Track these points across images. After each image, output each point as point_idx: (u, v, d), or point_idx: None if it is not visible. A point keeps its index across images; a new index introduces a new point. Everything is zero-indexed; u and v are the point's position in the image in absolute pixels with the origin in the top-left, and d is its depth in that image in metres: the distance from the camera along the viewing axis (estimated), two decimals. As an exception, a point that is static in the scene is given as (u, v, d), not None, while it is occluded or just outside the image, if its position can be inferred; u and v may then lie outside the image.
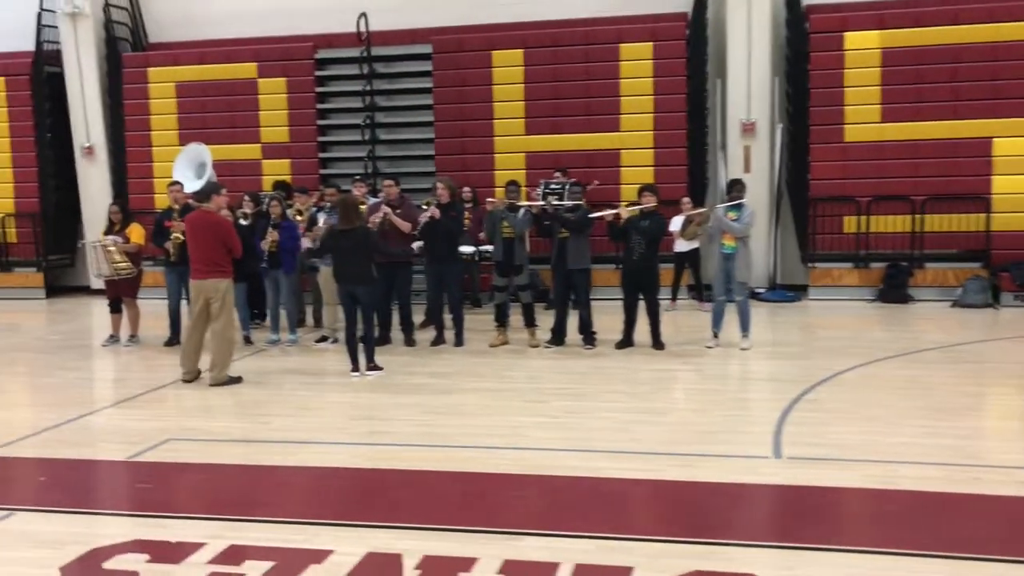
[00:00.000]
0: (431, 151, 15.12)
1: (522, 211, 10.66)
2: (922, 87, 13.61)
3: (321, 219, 11.15)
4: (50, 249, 16.63)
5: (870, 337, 11.21)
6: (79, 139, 16.42)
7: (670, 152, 14.31)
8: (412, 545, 4.91)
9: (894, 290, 13.58)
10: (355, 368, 9.48)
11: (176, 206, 11.30)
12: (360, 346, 9.43)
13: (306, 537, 5.08)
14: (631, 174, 14.32)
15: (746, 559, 4.73)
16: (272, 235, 11.09)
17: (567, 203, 10.41)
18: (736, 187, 10.32)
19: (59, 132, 16.52)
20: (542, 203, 10.67)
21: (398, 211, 10.81)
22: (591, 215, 10.54)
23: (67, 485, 6.27)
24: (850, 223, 13.86)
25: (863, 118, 13.80)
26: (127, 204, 12.22)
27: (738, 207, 10.20)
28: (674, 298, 13.35)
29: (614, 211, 10.61)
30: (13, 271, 16.64)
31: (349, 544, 4.95)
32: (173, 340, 11.43)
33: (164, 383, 9.27)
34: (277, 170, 15.36)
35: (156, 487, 6.13)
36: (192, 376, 9.32)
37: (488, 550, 4.84)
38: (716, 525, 5.24)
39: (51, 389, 9.26)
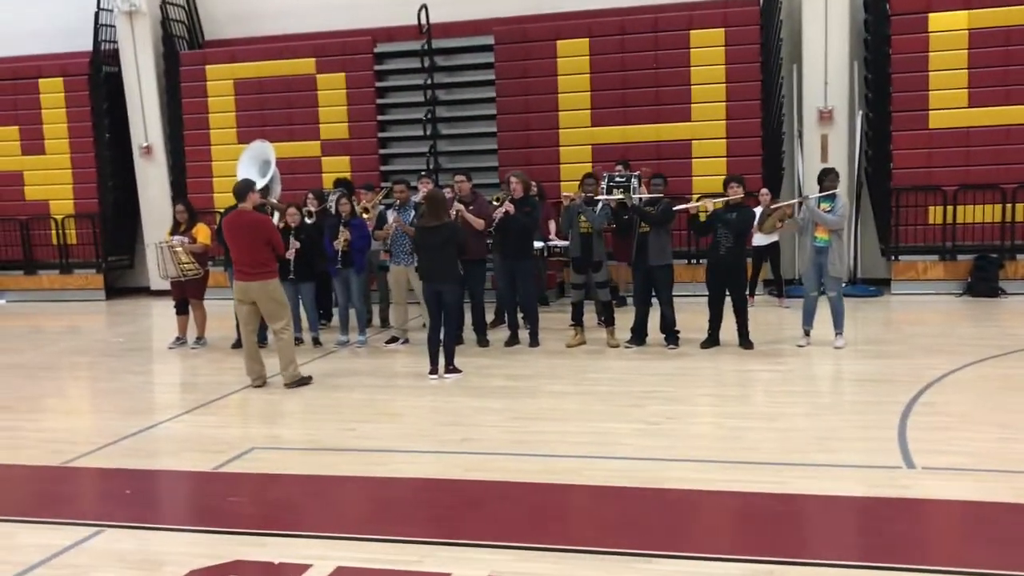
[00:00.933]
0: (494, 145, 14.73)
1: (600, 205, 10.22)
2: (1011, 70, 12.93)
3: (390, 216, 10.80)
4: (109, 250, 16.50)
5: (968, 334, 10.65)
6: (137, 139, 16.25)
7: (744, 142, 13.77)
8: (538, 569, 4.50)
9: (983, 283, 12.95)
10: (434, 370, 9.13)
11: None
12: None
13: (418, 558, 4.71)
14: (703, 165, 13.82)
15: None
16: (344, 234, 10.76)
17: (640, 196, 10.00)
18: (829, 177, 9.79)
19: (117, 132, 16.37)
20: (621, 196, 10.23)
21: (471, 207, 10.43)
22: (675, 208, 10.09)
23: (155, 499, 5.97)
24: (935, 213, 13.24)
25: (949, 103, 13.16)
26: (192, 204, 11.88)
27: (831, 198, 9.69)
28: (752, 294, 12.81)
29: (698, 203, 10.14)
30: (73, 272, 16.53)
31: (468, 567, 4.56)
32: (240, 342, 11.16)
33: (235, 387, 8.98)
34: (337, 167, 15.06)
35: (249, 501, 5.80)
36: (262, 381, 9.03)
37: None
38: (893, 546, 4.71)
39: (121, 394, 9.00)
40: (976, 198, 13.09)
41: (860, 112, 13.64)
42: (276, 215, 11.67)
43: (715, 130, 13.90)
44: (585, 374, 9.04)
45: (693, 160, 13.94)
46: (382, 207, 12.12)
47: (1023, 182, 12.89)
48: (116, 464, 6.70)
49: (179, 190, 16.14)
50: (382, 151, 15.36)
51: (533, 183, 12.33)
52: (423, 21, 14.61)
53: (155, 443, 7.20)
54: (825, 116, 13.64)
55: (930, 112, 13.25)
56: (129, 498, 5.91)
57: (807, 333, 9.99)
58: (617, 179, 10.39)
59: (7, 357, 11.26)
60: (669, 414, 7.46)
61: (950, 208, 13.17)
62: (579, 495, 5.64)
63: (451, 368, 9.15)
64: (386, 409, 7.97)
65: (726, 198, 9.90)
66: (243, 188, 9.18)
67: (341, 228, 10.84)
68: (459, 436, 7.06)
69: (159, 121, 16.19)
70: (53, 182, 16.50)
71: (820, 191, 9.76)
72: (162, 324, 14.48)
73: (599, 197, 10.23)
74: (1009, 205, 12.96)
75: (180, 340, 11.46)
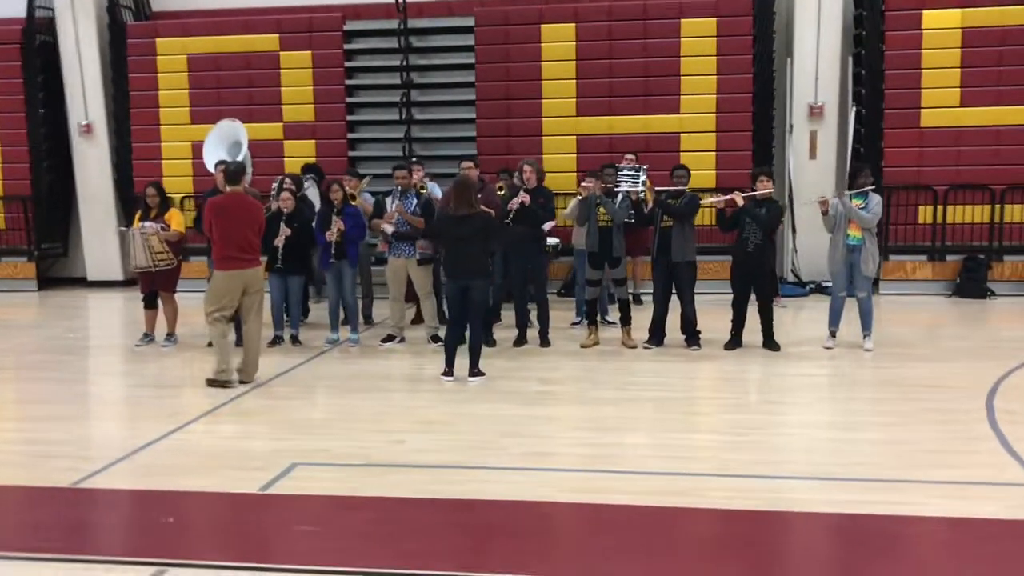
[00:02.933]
0: (472, 132, 13.96)
1: (620, 197, 9.63)
2: (1004, 70, 12.87)
3: (390, 204, 9.98)
4: (42, 237, 15.08)
5: (1000, 336, 10.45)
6: (76, 116, 14.87)
7: (734, 136, 13.38)
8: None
9: (973, 284, 12.87)
10: (449, 372, 8.39)
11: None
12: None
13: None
14: (692, 159, 13.20)
15: None
16: (338, 223, 9.89)
17: (652, 188, 9.53)
18: (863, 173, 9.42)
19: (53, 108, 14.97)
20: (643, 188, 9.68)
21: (479, 196, 9.68)
22: (701, 202, 9.58)
23: (208, 529, 5.09)
24: (926, 213, 13.10)
25: (941, 102, 13.02)
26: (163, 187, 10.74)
27: (864, 195, 9.32)
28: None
29: (727, 197, 9.65)
30: (1, 261, 15.06)
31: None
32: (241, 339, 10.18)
33: (238, 391, 8.06)
34: (301, 151, 14.07)
35: (322, 530, 4.98)
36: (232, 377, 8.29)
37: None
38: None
39: (108, 400, 8.02)
40: (966, 198, 13.00)
41: (853, 108, 13.40)
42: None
43: (705, 123, 13.47)
44: (623, 377, 8.45)
45: (681, 153, 13.39)
46: (366, 193, 11.30)
47: (1013, 183, 12.84)
48: (139, 484, 5.79)
49: (123, 172, 14.90)
50: (350, 135, 14.43)
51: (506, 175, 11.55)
52: (399, -1, 13.76)
53: (175, 458, 6.28)
54: (816, 112, 13.36)
55: (922, 110, 13.09)
56: (176, 528, 5.02)
57: (833, 334, 9.61)
58: (627, 171, 9.84)
59: (-51, 356, 10.05)
60: (742, 423, 6.95)
61: (940, 208, 13.05)
62: (713, 520, 5.01)
63: (476, 371, 8.43)
64: (426, 417, 7.21)
65: (754, 192, 9.45)
66: (238, 170, 8.53)
67: (334, 218, 9.98)
68: (524, 449, 6.37)
69: (101, 98, 14.85)
70: (-22, 161, 15.02)
71: (853, 188, 9.38)
72: (110, 318, 13.36)
73: (619, 188, 9.65)
74: (999, 206, 12.89)
75: (148, 337, 10.37)
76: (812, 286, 13.40)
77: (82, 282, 15.35)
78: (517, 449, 6.37)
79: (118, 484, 5.75)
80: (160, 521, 5.07)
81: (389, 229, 9.67)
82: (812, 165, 13.42)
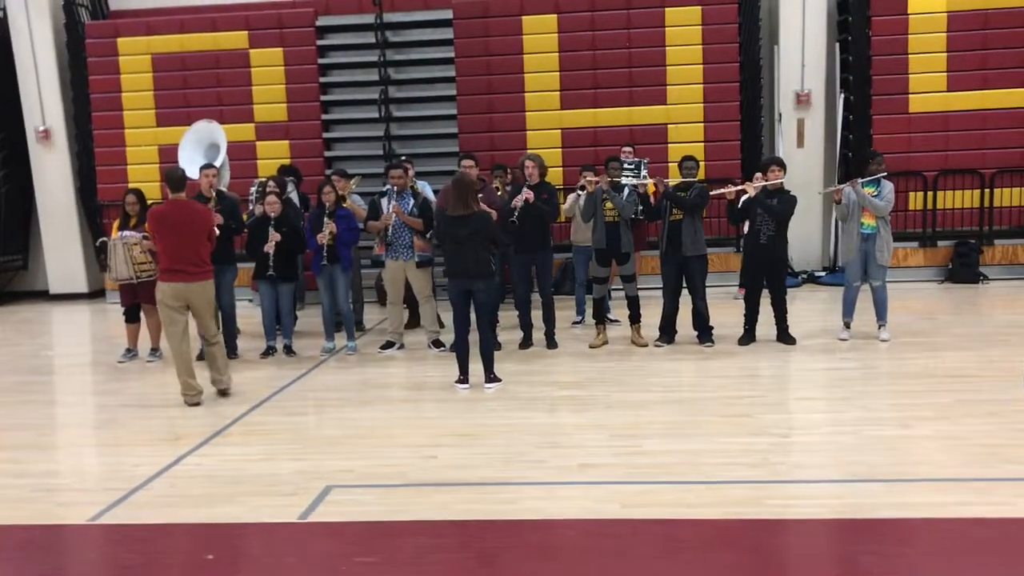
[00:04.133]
0: (454, 129, 13.54)
1: (627, 190, 9.31)
2: (989, 53, 12.82)
3: (385, 205, 9.54)
4: (0, 249, 14.32)
5: (1006, 321, 10.34)
6: (33, 121, 14.16)
7: (722, 126, 13.16)
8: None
9: (965, 269, 12.81)
10: (463, 379, 8.01)
11: (211, 193, 9.53)
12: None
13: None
14: (679, 150, 12.94)
15: None
16: (330, 226, 9.44)
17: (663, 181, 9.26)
18: (875, 160, 9.21)
19: (9, 113, 14.22)
20: (651, 180, 9.37)
21: (479, 195, 9.29)
22: (712, 193, 9.31)
23: (258, 565, 4.63)
24: (916, 199, 13.01)
25: (928, 87, 12.93)
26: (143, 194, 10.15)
27: (876, 182, 9.11)
28: (743, 285, 12.20)
29: (738, 187, 9.38)
30: (-33, 274, 14.30)
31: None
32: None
33: (243, 408, 7.59)
34: (274, 152, 13.55)
35: (383, 560, 4.56)
36: (199, 398, 7.85)
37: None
38: None
39: (103, 423, 7.46)
40: (956, 184, 12.92)
41: (841, 95, 13.25)
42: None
43: (692, 113, 13.23)
44: (644, 378, 8.12)
45: (669, 145, 13.20)
46: (355, 195, 10.87)
47: (1002, 167, 12.80)
48: (164, 517, 5.29)
49: (86, 180, 14.23)
50: (326, 135, 13.91)
51: (508, 169, 11.18)
52: (375, -8, 13.28)
53: (196, 486, 5.80)
54: (803, 99, 13.19)
55: (910, 96, 13.00)
56: (221, 566, 4.57)
57: (848, 325, 9.41)
58: (627, 164, 9.54)
59: (-83, 379, 9.38)
60: (784, 423, 6.68)
61: (930, 194, 12.96)
62: (790, 531, 4.70)
63: (492, 377, 8.05)
64: (452, 429, 6.80)
65: (765, 183, 9.20)
66: (182, 176, 8.08)
67: (326, 220, 9.52)
68: (565, 461, 6.00)
69: (59, 101, 14.17)
70: (-70, 171, 14.22)
71: (866, 175, 9.16)
72: (80, 333, 12.72)
73: (626, 181, 9.32)
74: (988, 191, 12.84)
75: (131, 352, 9.84)
76: (804, 275, 13.26)
77: (44, 295, 14.65)
78: (558, 461, 6.00)
79: (141, 518, 5.25)
80: (202, 558, 4.60)
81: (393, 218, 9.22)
82: (800, 153, 13.24)
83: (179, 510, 5.39)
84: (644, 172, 9.39)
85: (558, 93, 13.39)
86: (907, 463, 5.67)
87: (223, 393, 8.03)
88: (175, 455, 6.39)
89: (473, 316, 8.18)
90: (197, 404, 7.76)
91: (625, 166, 9.53)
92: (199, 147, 11.28)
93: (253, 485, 5.76)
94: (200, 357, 8.75)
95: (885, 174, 9.13)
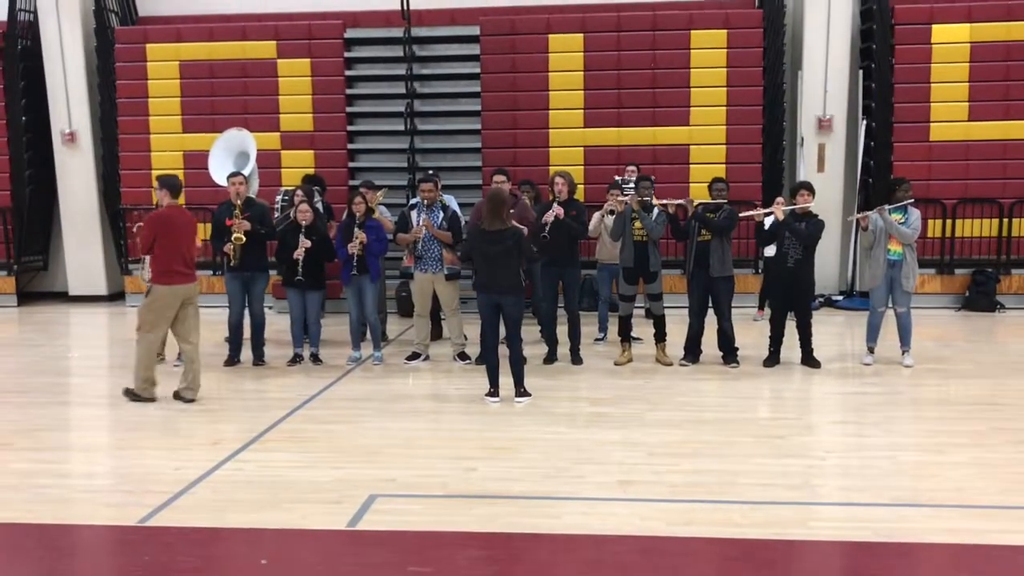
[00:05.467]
0: (477, 143, 13.65)
1: (656, 211, 9.40)
2: (1011, 84, 12.94)
3: (415, 218, 9.63)
4: (22, 250, 14.38)
5: (1022, 350, 10.44)
6: (59, 124, 14.25)
7: (745, 149, 13.26)
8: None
9: (983, 298, 12.89)
10: (494, 392, 8.08)
11: (238, 201, 9.61)
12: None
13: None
14: (701, 171, 13.16)
15: None
16: (360, 236, 9.52)
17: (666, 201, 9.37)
18: (901, 187, 9.32)
19: (36, 116, 14.31)
20: (680, 201, 9.47)
21: (512, 211, 9.38)
22: (741, 215, 9.41)
23: (313, 572, 4.68)
24: (935, 227, 13.08)
25: (950, 116, 13.05)
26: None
27: (903, 209, 9.21)
28: (762, 307, 12.30)
29: (768, 211, 9.48)
30: (-19, 275, 14.35)
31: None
32: (234, 359, 9.76)
33: (278, 414, 7.65)
34: (299, 162, 13.64)
35: (435, 571, 4.62)
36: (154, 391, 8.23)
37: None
38: None
39: (138, 425, 7.51)
40: (975, 212, 13.02)
41: (863, 121, 13.37)
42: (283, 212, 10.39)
43: (715, 135, 13.33)
44: (673, 397, 8.19)
45: (691, 166, 13.32)
46: (381, 206, 10.95)
47: (1021, 197, 12.90)
48: (213, 520, 5.36)
49: (109, 183, 14.31)
50: (350, 146, 14.01)
51: (534, 185, 11.25)
52: (403, 6, 13.39)
53: (241, 491, 5.86)
54: (824, 125, 13.30)
55: (931, 124, 13.11)
56: (275, 572, 4.62)
57: (872, 350, 9.49)
58: (631, 183, 9.75)
59: (-54, 378, 9.46)
60: (819, 446, 6.78)
61: (949, 222, 13.06)
62: (836, 553, 4.77)
63: (522, 391, 8.12)
64: (488, 442, 6.87)
65: (793, 206, 9.29)
66: (179, 183, 8.55)
67: (356, 230, 9.60)
68: (605, 477, 6.06)
69: (86, 105, 14.25)
70: (-45, 170, 14.31)
71: (892, 202, 9.25)
72: (102, 335, 12.76)
73: (656, 202, 9.42)
74: (1007, 220, 12.94)
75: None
76: (821, 299, 13.32)
77: (63, 297, 14.70)
78: (598, 477, 6.06)
79: (191, 521, 5.31)
80: (256, 563, 4.66)
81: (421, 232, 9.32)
82: (821, 178, 13.31)
83: (226, 515, 5.45)
84: (720, 187, 9.36)
85: (582, 111, 13.49)
86: (947, 489, 5.74)
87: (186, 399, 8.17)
88: (215, 459, 6.45)
89: (503, 330, 8.26)
90: (153, 399, 8.11)
91: (632, 185, 9.70)
92: (229, 154, 11.36)
93: (297, 492, 5.82)
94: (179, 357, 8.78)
95: (912, 201, 9.23)
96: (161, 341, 8.59)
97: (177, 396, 8.19)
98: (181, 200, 8.54)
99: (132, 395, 8.18)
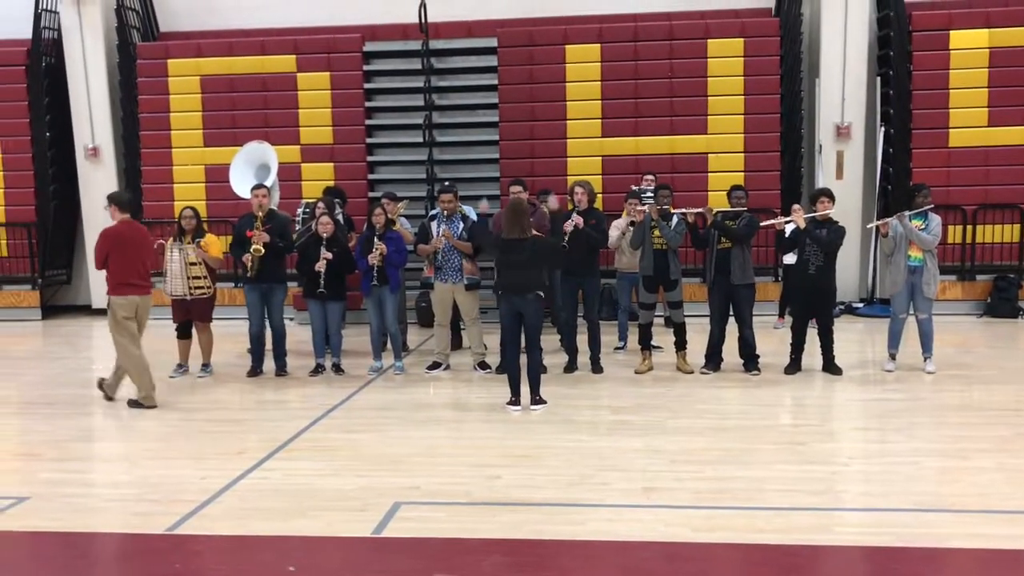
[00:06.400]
0: (495, 154, 13.74)
1: (675, 219, 9.43)
2: (1032, 89, 12.91)
3: (435, 229, 9.69)
4: (46, 264, 14.55)
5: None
6: (82, 139, 14.45)
7: (763, 157, 13.28)
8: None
9: (1005, 304, 12.84)
10: (515, 400, 8.12)
11: (260, 213, 9.70)
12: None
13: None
14: (719, 180, 13.20)
15: None
16: (380, 247, 9.58)
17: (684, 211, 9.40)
18: (921, 193, 9.31)
19: (59, 131, 14.51)
20: (700, 209, 9.49)
21: (530, 221, 9.42)
22: (762, 223, 9.42)
23: (339, 579, 4.74)
24: (955, 233, 13.05)
25: (969, 122, 13.04)
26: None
27: (924, 215, 9.20)
28: (782, 314, 12.29)
29: (788, 218, 9.49)
30: (3, 289, 14.53)
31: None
32: (257, 369, 9.84)
33: (301, 424, 7.71)
34: (319, 174, 13.78)
35: (464, 577, 4.66)
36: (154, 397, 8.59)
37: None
38: None
39: (162, 435, 7.58)
40: (995, 218, 12.98)
41: (881, 128, 13.36)
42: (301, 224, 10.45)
43: (732, 143, 13.37)
44: (694, 405, 8.19)
45: (709, 174, 13.35)
46: (401, 218, 11.01)
47: (1042, 203, 12.86)
48: (240, 528, 5.40)
49: (132, 197, 14.42)
50: (370, 158, 14.12)
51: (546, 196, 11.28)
52: (421, 20, 13.49)
53: (267, 499, 5.91)
54: (843, 132, 13.30)
55: (950, 130, 13.09)
56: (300, 577, 4.67)
57: (893, 357, 9.46)
58: (649, 192, 9.80)
59: (-27, 390, 9.59)
60: (842, 452, 6.77)
61: (969, 228, 13.02)
62: (900, 560, 4.74)
63: (538, 399, 8.16)
64: (510, 450, 6.89)
65: (815, 213, 9.30)
66: (130, 199, 9.27)
67: (376, 241, 9.66)
68: (629, 484, 6.07)
69: (109, 120, 14.46)
70: (-20, 185, 14.53)
71: (912, 208, 9.24)
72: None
73: (675, 211, 9.45)
74: (1028, 225, 12.89)
75: (182, 368, 10.00)
76: (842, 306, 13.28)
77: (86, 310, 14.86)
78: (622, 484, 6.08)
79: (218, 529, 5.37)
80: (284, 570, 4.71)
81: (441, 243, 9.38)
82: (839, 185, 13.28)
83: (253, 523, 5.50)
84: (738, 196, 9.39)
85: (600, 121, 13.56)
86: (972, 494, 5.72)
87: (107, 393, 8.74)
88: (240, 469, 6.51)
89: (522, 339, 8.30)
90: (155, 406, 8.42)
91: (643, 197, 9.75)
92: (250, 167, 11.45)
93: (322, 500, 5.87)
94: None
95: (932, 207, 9.22)
96: (138, 347, 8.69)
97: (101, 386, 8.80)
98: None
99: (135, 404, 8.49)
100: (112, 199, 8.76)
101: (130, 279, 8.40)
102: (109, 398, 8.73)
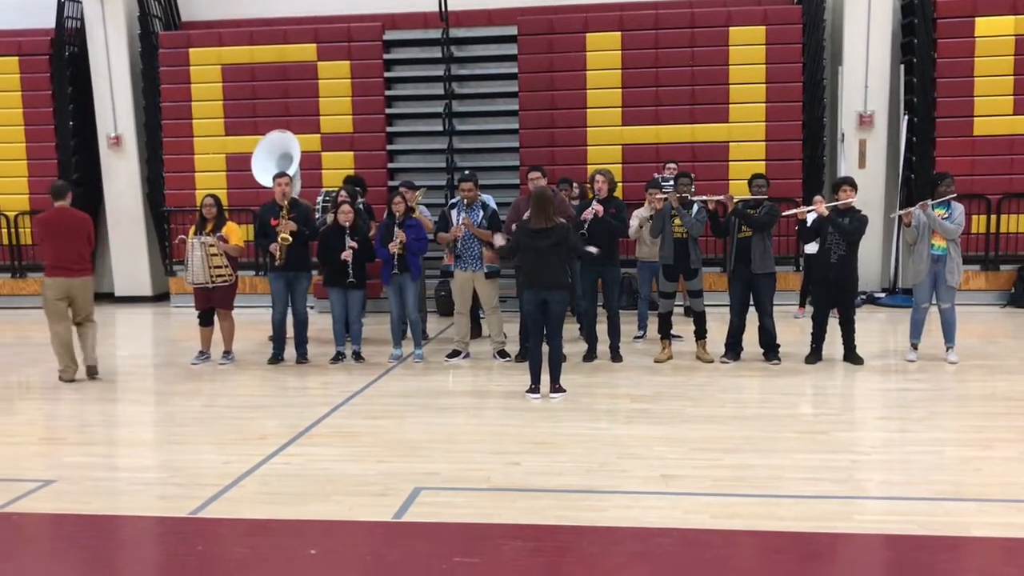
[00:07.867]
0: (515, 143, 13.72)
1: (696, 207, 9.40)
2: (1057, 77, 12.76)
3: (455, 217, 9.70)
4: (70, 252, 14.64)
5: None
6: (105, 128, 14.55)
7: (785, 145, 13.20)
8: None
9: (1029, 293, 12.72)
10: (535, 388, 8.13)
11: (284, 202, 9.74)
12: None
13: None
14: (741, 168, 13.14)
15: None
16: (400, 236, 9.60)
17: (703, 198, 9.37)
18: (944, 182, 9.23)
19: (82, 121, 14.61)
20: (720, 197, 9.45)
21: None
22: (783, 212, 9.37)
23: (360, 562, 4.76)
24: (979, 222, 12.94)
25: (994, 110, 12.89)
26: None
27: (947, 204, 9.13)
28: (803, 304, 12.24)
29: (810, 207, 9.43)
30: (27, 277, 14.67)
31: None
32: (278, 356, 9.90)
33: (322, 411, 7.75)
34: (339, 163, 13.81)
35: (483, 561, 4.68)
36: (73, 375, 9.16)
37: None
38: None
39: (187, 421, 7.65)
40: (1020, 207, 12.86)
41: (905, 116, 13.25)
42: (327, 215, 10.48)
43: (754, 132, 13.29)
44: (715, 394, 8.18)
45: (730, 163, 13.29)
46: (421, 206, 11.03)
47: (1068, 192, 12.72)
48: (261, 512, 5.45)
49: (154, 186, 14.57)
50: (389, 147, 14.14)
51: (575, 184, 11.33)
52: (442, 8, 13.49)
53: (288, 484, 5.96)
54: (865, 120, 13.20)
55: (975, 119, 12.96)
56: (324, 561, 4.71)
57: (915, 347, 9.40)
58: (670, 180, 9.77)
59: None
60: (863, 441, 6.74)
61: (994, 217, 12.90)
62: (921, 547, 4.72)
63: (558, 387, 8.16)
64: (530, 437, 6.91)
65: (836, 202, 9.24)
66: (63, 187, 9.39)
67: (396, 229, 9.68)
68: (648, 472, 6.08)
69: (131, 109, 14.54)
70: (5, 174, 14.67)
71: (935, 197, 9.17)
72: (148, 335, 13.00)
73: (696, 198, 9.42)
74: (1053, 215, 12.76)
75: (204, 355, 10.07)
76: (863, 296, 13.21)
77: (109, 297, 14.97)
78: (642, 472, 6.08)
79: (240, 513, 5.42)
80: (305, 553, 4.75)
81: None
82: (862, 174, 13.22)
83: (275, 507, 5.55)
84: (759, 184, 9.35)
85: (620, 109, 13.52)
86: (994, 484, 5.69)
87: (93, 371, 9.23)
88: (262, 454, 6.56)
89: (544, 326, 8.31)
90: (72, 380, 9.04)
91: (664, 185, 9.73)
92: (272, 156, 11.50)
93: (343, 484, 5.91)
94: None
95: (955, 196, 9.14)
96: (66, 327, 9.18)
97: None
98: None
99: (60, 378, 9.12)
100: (50, 189, 9.35)
101: (61, 263, 8.93)
102: (93, 370, 9.26)
